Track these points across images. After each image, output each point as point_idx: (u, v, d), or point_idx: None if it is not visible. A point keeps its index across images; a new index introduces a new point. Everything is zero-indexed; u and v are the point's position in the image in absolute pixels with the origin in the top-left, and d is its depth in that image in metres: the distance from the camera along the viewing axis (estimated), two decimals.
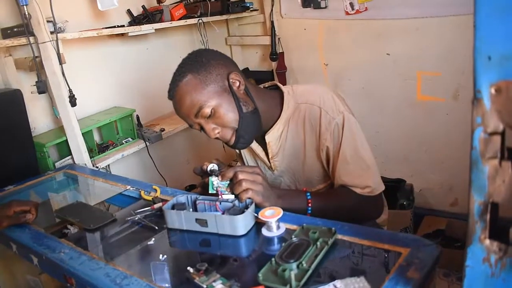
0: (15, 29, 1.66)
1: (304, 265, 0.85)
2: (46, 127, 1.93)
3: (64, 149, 1.85)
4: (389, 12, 2.29)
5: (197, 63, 1.20)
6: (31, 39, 1.62)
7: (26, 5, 1.56)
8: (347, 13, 2.41)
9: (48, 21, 1.64)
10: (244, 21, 2.85)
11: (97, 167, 1.85)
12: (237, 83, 1.24)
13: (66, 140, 1.80)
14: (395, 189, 2.30)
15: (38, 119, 1.89)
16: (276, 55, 2.67)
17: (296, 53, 2.72)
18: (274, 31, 2.63)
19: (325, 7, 2.47)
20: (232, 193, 1.12)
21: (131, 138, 2.11)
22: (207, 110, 1.18)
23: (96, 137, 2.07)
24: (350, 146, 1.24)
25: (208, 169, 1.18)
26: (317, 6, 2.49)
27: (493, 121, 0.55)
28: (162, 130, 2.18)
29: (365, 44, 2.45)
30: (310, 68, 2.69)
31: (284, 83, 2.66)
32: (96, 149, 1.94)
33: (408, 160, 2.51)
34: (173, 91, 1.21)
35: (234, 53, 2.94)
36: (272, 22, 2.62)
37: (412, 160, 2.50)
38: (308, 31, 2.61)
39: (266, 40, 2.71)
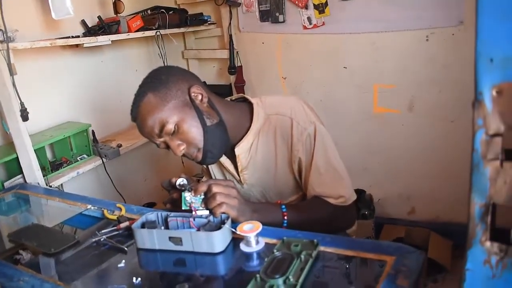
0: None
1: (291, 279, 0.82)
2: None
3: (14, 167, 1.72)
4: (346, 26, 2.34)
5: (156, 81, 1.19)
6: None
7: None
8: (304, 28, 2.44)
9: None
10: (201, 35, 2.82)
11: (50, 186, 1.73)
12: (199, 96, 1.21)
13: (17, 157, 1.67)
14: (356, 200, 2.32)
15: None
16: (234, 69, 2.65)
17: (255, 66, 2.71)
18: (233, 44, 2.61)
19: (283, 22, 2.49)
20: (207, 208, 1.07)
21: (86, 155, 2.00)
22: (170, 127, 1.16)
23: (48, 154, 1.94)
24: (322, 157, 1.24)
25: (177, 183, 1.12)
26: (275, 21, 2.51)
27: (495, 122, 0.55)
28: (119, 145, 2.09)
29: (322, 58, 2.48)
30: (268, 81, 2.69)
31: None
32: (49, 167, 1.81)
33: (367, 171, 2.55)
34: (135, 112, 1.19)
35: (191, 66, 2.89)
36: (230, 36, 2.60)
37: (370, 171, 2.55)
38: (266, 45, 2.62)
39: (224, 54, 2.69)
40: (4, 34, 1.56)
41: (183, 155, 1.22)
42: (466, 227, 0.61)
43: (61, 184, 1.87)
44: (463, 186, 2.37)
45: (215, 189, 1.06)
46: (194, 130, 1.18)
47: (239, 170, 1.32)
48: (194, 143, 1.19)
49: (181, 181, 1.13)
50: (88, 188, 2.15)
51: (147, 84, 1.20)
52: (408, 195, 2.51)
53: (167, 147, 1.21)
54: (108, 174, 2.07)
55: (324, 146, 1.24)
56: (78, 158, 1.97)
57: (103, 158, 1.99)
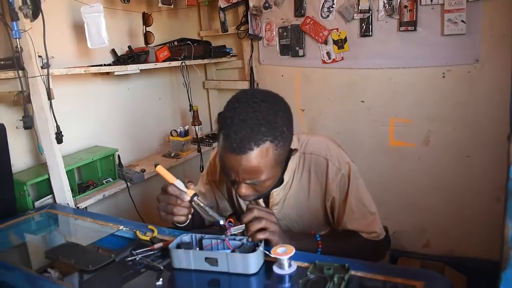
0: (2, 62, 1.61)
1: None
2: (24, 165, 1.86)
3: (44, 187, 1.78)
4: (364, 62, 2.42)
5: (278, 131, 1.08)
6: (20, 72, 1.58)
7: (19, 38, 1.54)
8: (324, 62, 2.53)
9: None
10: (222, 66, 2.92)
11: (77, 207, 1.78)
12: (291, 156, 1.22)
13: (48, 178, 1.73)
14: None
15: (17, 156, 1.81)
16: None
17: None
18: (253, 76, 2.70)
19: (303, 56, 2.58)
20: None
21: (112, 179, 2.06)
22: (259, 183, 1.13)
23: (76, 177, 2.00)
24: (355, 196, 1.28)
25: (194, 199, 1.15)
26: (295, 55, 2.60)
27: None
28: (143, 170, 2.15)
29: (340, 91, 2.55)
30: None
31: None
32: (77, 189, 1.87)
33: (382, 203, 2.54)
34: (243, 150, 1.05)
35: (211, 96, 2.98)
36: (251, 68, 2.70)
37: (385, 203, 2.57)
38: (285, 78, 2.70)
39: (244, 85, 2.78)
40: (44, 61, 1.65)
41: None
42: (500, 255, 0.66)
43: (86, 207, 1.92)
44: (477, 220, 2.38)
45: (258, 213, 1.10)
46: (271, 187, 1.19)
47: (270, 205, 1.33)
48: (262, 194, 1.21)
49: (196, 197, 1.14)
50: (111, 211, 2.20)
51: (270, 128, 1.06)
52: (423, 228, 2.52)
53: (233, 182, 1.16)
54: (131, 198, 2.11)
55: (357, 185, 1.29)
56: (103, 181, 2.02)
57: (128, 182, 2.05)
